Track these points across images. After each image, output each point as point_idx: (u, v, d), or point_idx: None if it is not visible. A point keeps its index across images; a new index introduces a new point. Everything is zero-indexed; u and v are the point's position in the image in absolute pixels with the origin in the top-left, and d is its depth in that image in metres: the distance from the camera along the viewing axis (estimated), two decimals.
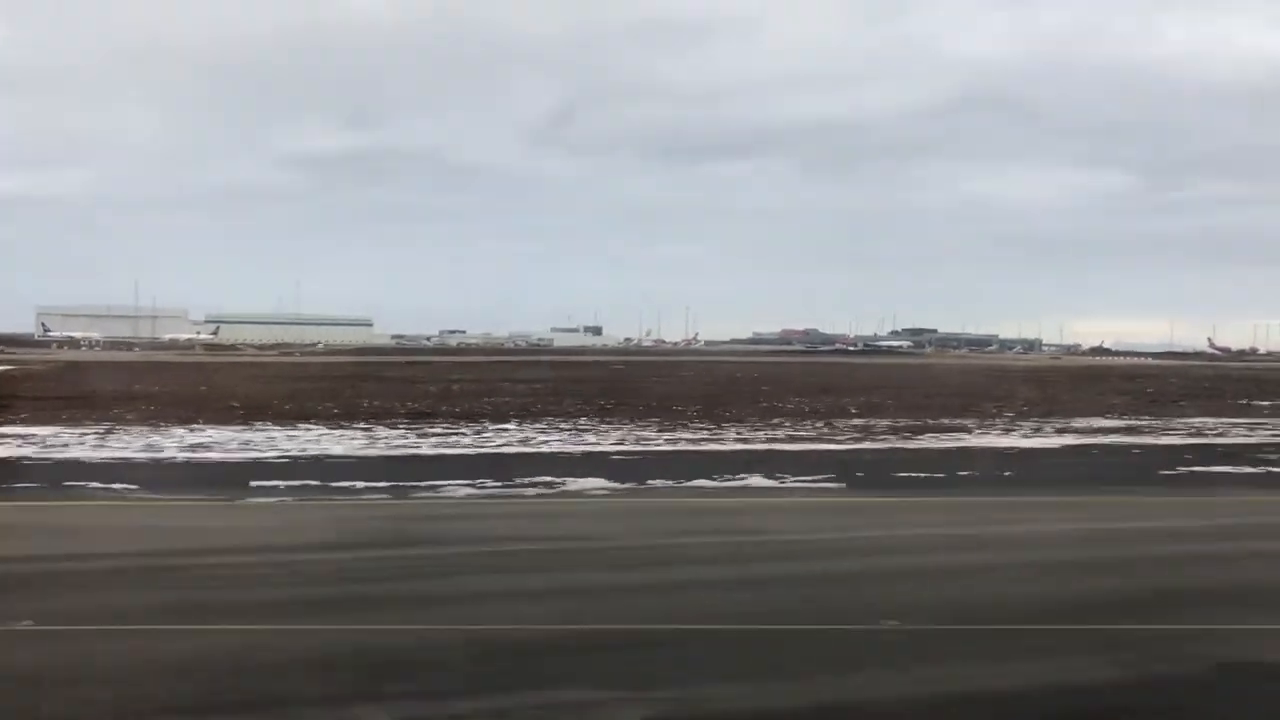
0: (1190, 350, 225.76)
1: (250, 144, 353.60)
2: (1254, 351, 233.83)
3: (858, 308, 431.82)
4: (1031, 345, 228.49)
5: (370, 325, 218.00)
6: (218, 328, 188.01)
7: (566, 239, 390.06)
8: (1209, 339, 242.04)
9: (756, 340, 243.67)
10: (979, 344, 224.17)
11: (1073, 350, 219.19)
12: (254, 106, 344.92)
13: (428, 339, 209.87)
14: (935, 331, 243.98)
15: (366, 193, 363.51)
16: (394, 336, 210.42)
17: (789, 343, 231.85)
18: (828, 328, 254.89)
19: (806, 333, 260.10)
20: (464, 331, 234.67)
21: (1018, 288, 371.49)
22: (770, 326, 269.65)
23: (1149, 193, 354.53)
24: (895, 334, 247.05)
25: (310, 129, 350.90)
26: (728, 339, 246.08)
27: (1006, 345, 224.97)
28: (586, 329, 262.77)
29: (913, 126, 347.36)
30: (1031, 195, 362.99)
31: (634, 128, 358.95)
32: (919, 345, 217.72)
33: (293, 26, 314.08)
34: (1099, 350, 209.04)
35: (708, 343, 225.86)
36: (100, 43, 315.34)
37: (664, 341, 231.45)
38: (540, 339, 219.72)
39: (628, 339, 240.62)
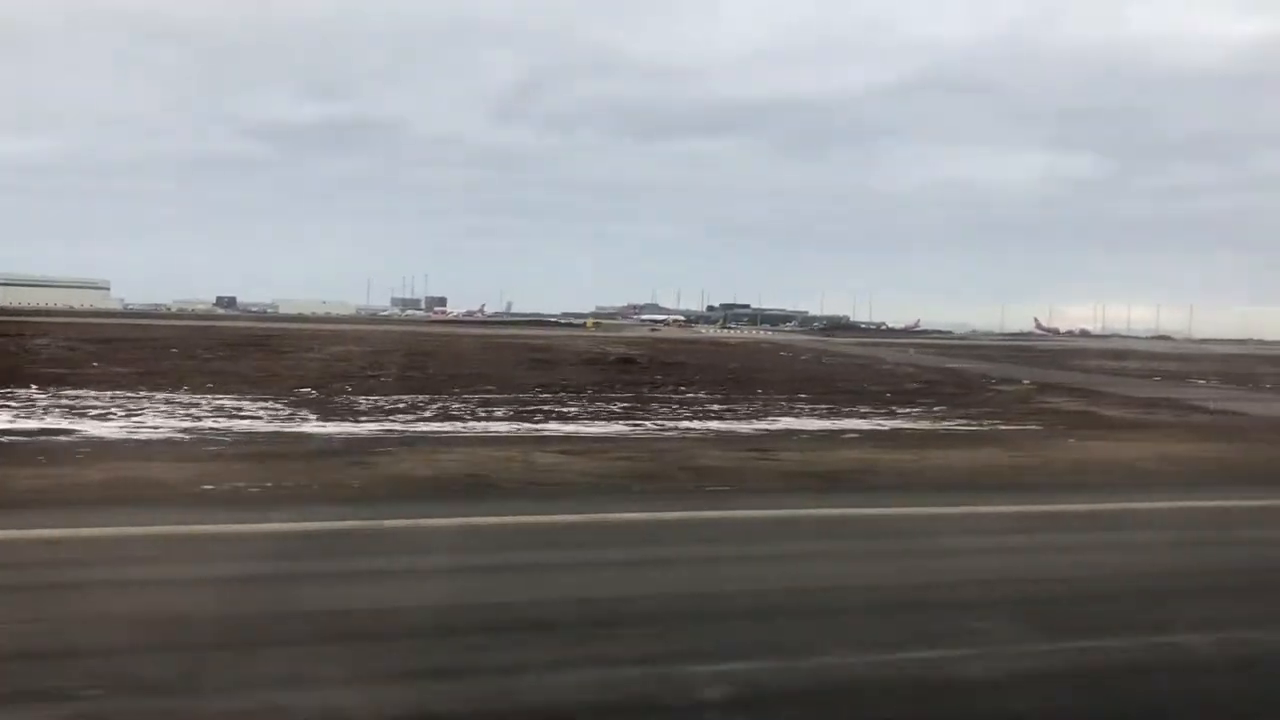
0: (1009, 331, 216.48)
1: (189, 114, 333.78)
2: (1083, 333, 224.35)
3: (747, 285, 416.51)
4: (838, 322, 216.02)
5: (106, 289, 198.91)
6: None
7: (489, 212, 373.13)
8: (1035, 319, 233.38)
9: (628, 311, 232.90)
10: (779, 320, 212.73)
11: (879, 328, 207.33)
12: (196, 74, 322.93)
13: (163, 306, 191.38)
14: (748, 307, 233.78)
15: (311, 167, 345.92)
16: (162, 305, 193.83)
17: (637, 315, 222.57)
18: (683, 305, 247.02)
19: (643, 308, 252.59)
20: (233, 299, 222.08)
21: (967, 271, 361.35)
22: (634, 299, 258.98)
23: (1110, 177, 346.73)
24: (711, 309, 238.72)
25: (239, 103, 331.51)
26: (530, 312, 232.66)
27: (805, 322, 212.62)
28: (430, 299, 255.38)
29: (874, 108, 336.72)
30: (997, 179, 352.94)
31: (580, 105, 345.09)
32: (710, 320, 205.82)
33: None
34: (891, 329, 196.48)
35: (494, 314, 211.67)
36: None
37: (445, 312, 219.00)
38: (267, 307, 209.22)
39: (437, 309, 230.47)
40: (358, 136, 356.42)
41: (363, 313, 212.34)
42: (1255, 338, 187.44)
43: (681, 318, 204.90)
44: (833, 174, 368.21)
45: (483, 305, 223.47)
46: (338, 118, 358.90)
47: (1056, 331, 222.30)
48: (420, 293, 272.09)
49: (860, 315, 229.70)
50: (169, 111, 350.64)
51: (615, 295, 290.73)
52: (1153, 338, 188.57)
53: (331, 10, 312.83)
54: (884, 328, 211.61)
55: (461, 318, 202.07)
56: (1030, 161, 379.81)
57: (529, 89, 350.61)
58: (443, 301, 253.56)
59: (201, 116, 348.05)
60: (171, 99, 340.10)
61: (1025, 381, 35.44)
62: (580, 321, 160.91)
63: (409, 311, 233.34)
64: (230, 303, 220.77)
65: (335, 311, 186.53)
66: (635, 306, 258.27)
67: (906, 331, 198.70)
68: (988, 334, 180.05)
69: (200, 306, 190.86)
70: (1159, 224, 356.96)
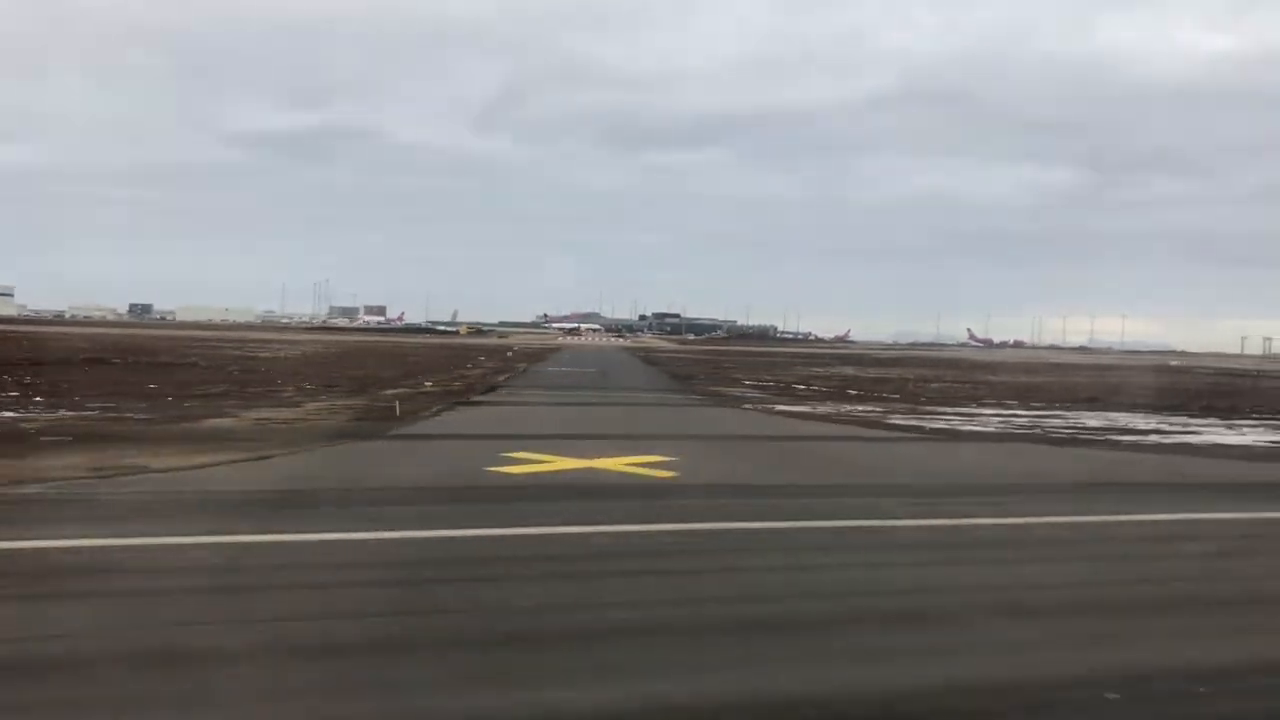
0: (938, 343, 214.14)
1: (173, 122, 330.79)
2: (1017, 344, 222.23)
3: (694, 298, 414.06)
4: (765, 332, 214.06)
5: (10, 295, 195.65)
6: None
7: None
8: (969, 330, 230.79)
9: (540, 321, 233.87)
10: (705, 329, 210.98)
11: (806, 337, 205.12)
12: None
13: (59, 313, 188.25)
14: (678, 316, 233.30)
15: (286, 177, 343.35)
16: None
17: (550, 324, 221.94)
18: (617, 314, 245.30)
19: (585, 316, 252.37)
20: (149, 306, 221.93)
21: (914, 282, 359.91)
22: (582, 308, 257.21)
23: (1073, 190, 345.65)
24: (643, 318, 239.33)
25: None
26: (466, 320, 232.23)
27: (731, 331, 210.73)
28: (368, 309, 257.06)
29: (852, 120, 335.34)
30: (962, 191, 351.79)
31: (551, 114, 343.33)
32: (635, 329, 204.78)
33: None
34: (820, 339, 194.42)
35: (409, 323, 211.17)
36: None
37: (355, 318, 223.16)
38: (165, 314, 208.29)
39: (358, 318, 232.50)
40: (326, 145, 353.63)
41: (291, 320, 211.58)
42: (1183, 349, 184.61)
43: (599, 327, 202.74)
44: (798, 186, 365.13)
45: (401, 314, 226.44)
46: (309, 126, 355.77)
47: (990, 343, 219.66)
48: (361, 301, 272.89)
49: (790, 325, 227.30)
50: (132, 118, 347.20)
51: (569, 303, 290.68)
52: (1074, 349, 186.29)
53: (303, 17, 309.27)
54: (811, 337, 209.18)
55: (378, 324, 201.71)
56: (997, 174, 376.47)
57: (502, 99, 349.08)
58: (382, 310, 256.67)
59: (170, 123, 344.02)
60: (135, 105, 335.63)
61: (427, 384, 30.37)
62: (455, 329, 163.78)
63: (337, 320, 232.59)
64: (145, 310, 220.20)
65: (233, 318, 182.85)
66: (577, 314, 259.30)
67: (837, 341, 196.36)
68: (881, 344, 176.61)
69: (96, 314, 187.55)
70: (1118, 236, 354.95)
